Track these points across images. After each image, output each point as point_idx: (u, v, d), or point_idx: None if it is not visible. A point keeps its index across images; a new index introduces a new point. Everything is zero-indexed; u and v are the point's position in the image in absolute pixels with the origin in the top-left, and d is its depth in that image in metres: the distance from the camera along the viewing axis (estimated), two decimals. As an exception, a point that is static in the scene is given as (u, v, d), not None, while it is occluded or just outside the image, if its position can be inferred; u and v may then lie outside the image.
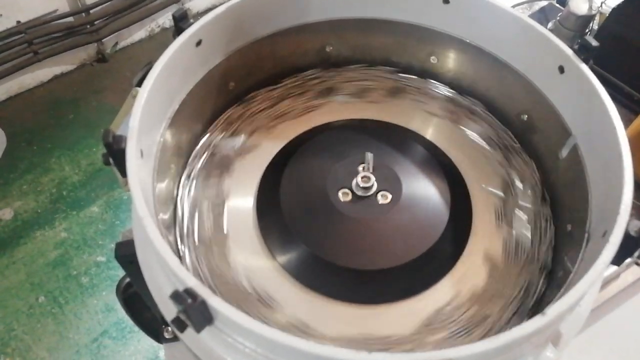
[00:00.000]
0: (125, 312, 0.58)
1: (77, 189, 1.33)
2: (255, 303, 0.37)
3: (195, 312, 0.28)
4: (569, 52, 0.40)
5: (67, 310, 1.13)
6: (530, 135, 0.45)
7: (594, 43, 0.39)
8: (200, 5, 1.81)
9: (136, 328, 0.58)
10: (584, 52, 0.39)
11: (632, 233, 0.30)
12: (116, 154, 0.34)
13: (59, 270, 1.19)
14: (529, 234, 0.40)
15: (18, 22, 1.44)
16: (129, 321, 0.59)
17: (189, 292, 0.28)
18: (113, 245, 1.18)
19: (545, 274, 0.38)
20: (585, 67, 0.39)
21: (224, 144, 0.45)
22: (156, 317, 0.47)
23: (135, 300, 0.54)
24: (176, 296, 0.27)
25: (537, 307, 0.37)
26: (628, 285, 0.38)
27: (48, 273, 1.18)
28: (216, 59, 0.44)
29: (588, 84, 0.38)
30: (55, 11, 1.49)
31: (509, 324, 0.36)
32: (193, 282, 0.28)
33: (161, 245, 0.30)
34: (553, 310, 0.28)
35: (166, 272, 0.32)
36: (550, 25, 0.77)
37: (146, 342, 1.07)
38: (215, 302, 0.28)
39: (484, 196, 0.42)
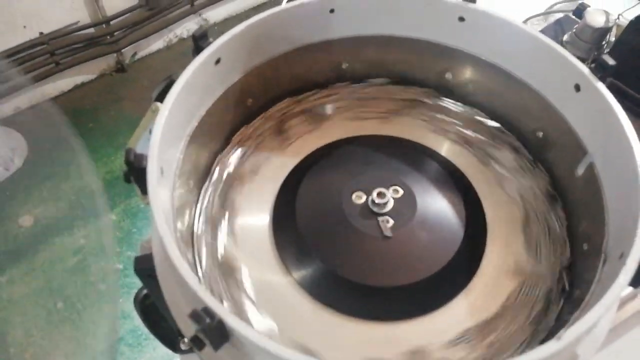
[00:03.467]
0: (142, 321, 0.58)
1: (95, 196, 1.35)
2: (269, 319, 0.37)
3: (213, 332, 0.28)
4: (585, 70, 0.40)
5: (85, 317, 1.14)
6: (546, 153, 0.45)
7: (611, 62, 0.38)
8: (218, 16, 1.83)
9: (152, 336, 0.58)
10: (600, 70, 0.39)
11: (649, 256, 0.30)
12: (137, 172, 0.35)
13: (78, 276, 1.21)
14: (545, 252, 0.40)
15: (41, 33, 1.48)
16: (144, 329, 0.60)
17: (207, 312, 0.29)
18: (130, 253, 1.20)
19: (562, 293, 0.38)
20: (601, 86, 0.39)
21: (240, 160, 0.46)
22: (172, 328, 0.47)
23: (153, 311, 0.55)
24: (195, 315, 0.28)
25: (554, 326, 0.37)
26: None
27: (66, 279, 1.21)
28: (235, 77, 0.45)
29: (604, 103, 0.38)
30: (76, 22, 1.53)
31: (525, 344, 0.36)
32: (211, 301, 0.29)
33: (181, 264, 0.30)
34: (569, 334, 0.28)
35: (184, 290, 0.32)
36: (566, 37, 0.76)
37: (162, 349, 1.08)
38: (232, 322, 0.28)
39: (499, 213, 0.42)
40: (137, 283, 0.45)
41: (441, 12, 0.45)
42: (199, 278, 0.38)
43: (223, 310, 0.28)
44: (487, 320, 0.37)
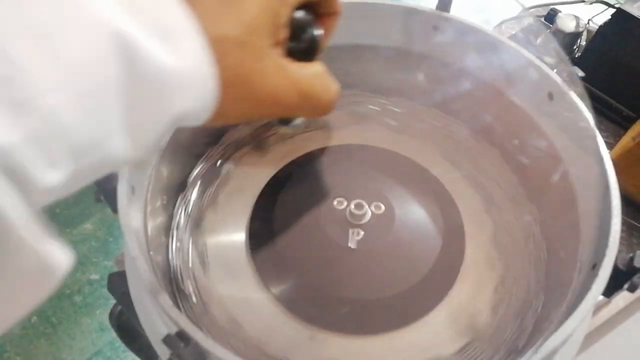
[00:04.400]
0: (119, 338, 0.57)
1: (70, 206, 1.32)
2: (248, 338, 0.37)
3: (188, 356, 0.28)
4: (558, 79, 0.40)
5: (61, 331, 1.12)
6: (521, 160, 0.45)
7: (580, 73, 0.39)
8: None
9: (130, 348, 0.57)
10: (570, 82, 0.40)
11: (621, 267, 0.30)
12: (107, 192, 0.34)
13: (52, 289, 1.18)
14: (522, 259, 0.40)
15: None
16: (122, 340, 0.58)
17: (181, 335, 0.28)
18: (107, 263, 1.18)
19: (540, 300, 0.38)
20: (573, 95, 0.39)
21: (215, 174, 0.45)
22: (150, 345, 0.46)
23: (129, 327, 0.54)
24: (168, 340, 0.27)
25: (534, 332, 0.37)
26: (620, 310, 0.38)
27: (41, 292, 1.17)
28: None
29: (577, 111, 0.39)
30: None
31: (503, 354, 0.36)
32: (186, 325, 0.28)
33: (154, 287, 0.30)
34: (545, 347, 0.28)
35: (159, 313, 0.31)
36: (538, 41, 0.78)
37: (141, 361, 1.07)
38: (208, 345, 0.28)
39: (476, 220, 0.43)
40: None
41: (417, 21, 0.45)
42: (175, 298, 0.38)
43: (199, 335, 0.28)
44: (463, 333, 0.37)
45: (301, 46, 0.23)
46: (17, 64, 0.14)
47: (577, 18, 0.72)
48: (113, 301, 0.50)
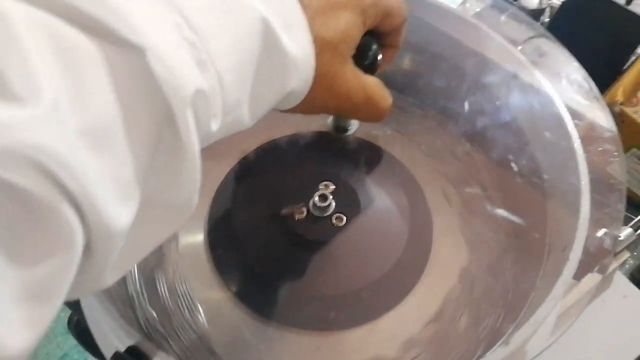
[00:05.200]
0: (80, 345, 0.55)
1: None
2: (211, 342, 0.35)
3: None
4: (522, 57, 0.39)
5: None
6: (488, 141, 0.44)
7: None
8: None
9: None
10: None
11: (592, 249, 0.30)
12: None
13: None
14: (490, 246, 0.39)
15: None
16: (91, 343, 0.56)
17: (132, 352, 0.26)
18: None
19: (511, 286, 0.38)
20: (537, 73, 0.39)
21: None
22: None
23: (89, 335, 0.52)
24: (117, 358, 0.25)
25: (505, 319, 0.36)
26: (588, 290, 0.38)
27: None
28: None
29: (541, 90, 0.38)
30: None
31: (475, 340, 0.35)
32: (137, 340, 0.26)
33: (101, 297, 0.27)
34: (516, 338, 0.27)
35: (109, 324, 0.29)
36: (503, 18, 0.77)
37: (112, 360, 1.04)
38: None
39: (444, 207, 0.42)
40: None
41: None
42: (131, 307, 0.35)
43: (152, 348, 0.26)
44: (434, 320, 0.36)
45: (363, 62, 0.28)
46: (199, 32, 0.18)
47: (539, -6, 0.71)
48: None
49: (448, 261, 0.38)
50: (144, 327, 0.34)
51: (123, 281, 0.37)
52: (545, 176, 0.37)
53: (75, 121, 0.15)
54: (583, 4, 0.65)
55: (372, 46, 0.28)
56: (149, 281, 0.37)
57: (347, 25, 0.25)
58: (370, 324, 0.36)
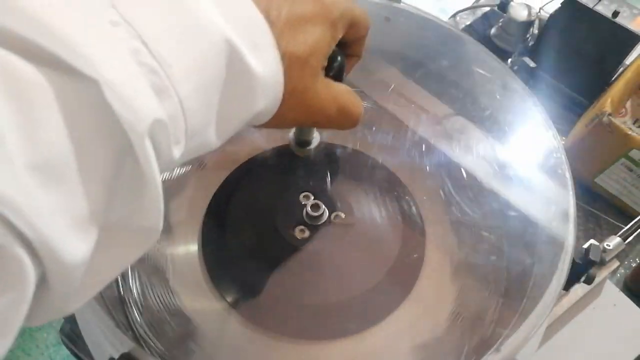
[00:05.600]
0: (73, 356, 0.54)
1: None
2: (204, 349, 0.35)
3: (135, 380, 0.26)
4: (508, 71, 0.40)
5: (15, 346, 1.06)
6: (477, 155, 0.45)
7: (532, 64, 0.39)
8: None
9: None
10: (522, 72, 0.40)
11: (578, 260, 0.30)
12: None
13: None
14: (480, 257, 0.39)
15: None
16: (82, 353, 0.55)
17: (127, 358, 0.26)
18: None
19: (501, 295, 0.38)
20: (523, 86, 0.39)
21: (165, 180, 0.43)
22: None
23: (81, 344, 0.51)
24: (112, 367, 0.25)
25: (496, 329, 0.37)
26: (578, 299, 0.38)
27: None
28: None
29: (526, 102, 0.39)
30: None
31: (465, 350, 0.35)
32: (130, 348, 0.26)
33: (96, 307, 0.27)
34: (508, 345, 0.27)
35: (103, 333, 0.29)
36: (493, 31, 0.78)
37: (104, 371, 1.03)
38: (156, 367, 0.26)
39: (436, 217, 0.42)
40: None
41: (369, 13, 0.44)
42: (125, 315, 0.35)
43: (144, 355, 0.26)
44: (424, 332, 0.36)
45: (329, 73, 0.28)
46: (159, 58, 0.18)
47: (528, 7, 0.72)
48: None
49: (439, 271, 0.39)
50: (137, 335, 0.34)
51: (117, 290, 0.37)
52: (533, 183, 0.38)
53: (24, 158, 0.15)
54: (571, 16, 0.66)
55: (337, 57, 0.28)
56: (144, 290, 0.37)
57: (316, 39, 0.24)
58: (358, 335, 0.36)
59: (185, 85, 0.18)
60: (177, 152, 0.19)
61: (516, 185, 0.40)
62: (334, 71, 0.28)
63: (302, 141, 0.37)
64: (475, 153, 0.44)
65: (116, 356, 0.27)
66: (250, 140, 0.45)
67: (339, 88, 0.28)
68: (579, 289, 0.39)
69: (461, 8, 0.79)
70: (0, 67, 0.15)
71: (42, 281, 0.16)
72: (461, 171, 0.43)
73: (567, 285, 0.30)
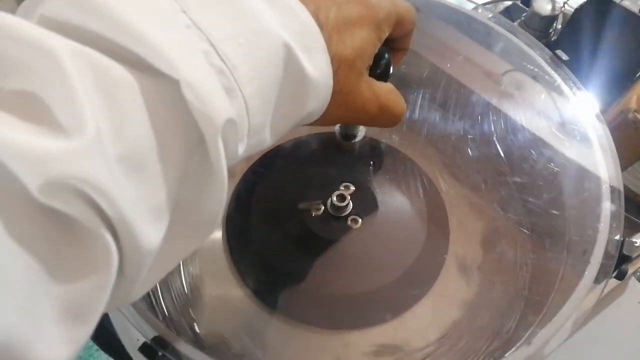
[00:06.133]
0: (92, 341, 0.55)
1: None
2: (230, 339, 0.35)
3: (167, 363, 0.26)
4: (542, 62, 0.40)
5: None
6: (505, 148, 0.44)
7: (564, 57, 0.39)
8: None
9: (104, 347, 0.55)
10: (555, 64, 0.39)
11: (612, 252, 0.30)
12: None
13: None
14: (506, 249, 0.39)
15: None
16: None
17: (158, 341, 0.26)
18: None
19: (524, 291, 0.38)
20: (557, 77, 0.39)
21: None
22: (125, 348, 0.44)
23: (103, 330, 0.52)
24: (145, 348, 0.26)
25: (521, 322, 0.36)
26: (607, 293, 0.38)
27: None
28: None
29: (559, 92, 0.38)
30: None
31: (491, 343, 0.35)
32: (164, 331, 0.26)
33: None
34: (539, 338, 0.27)
35: (134, 318, 0.29)
36: (515, 25, 0.77)
37: None
38: (186, 350, 0.26)
39: (461, 210, 0.42)
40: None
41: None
42: (150, 302, 0.35)
43: (178, 342, 0.26)
44: (449, 323, 0.36)
45: (376, 71, 0.28)
46: (227, 60, 0.19)
47: (553, 1, 0.71)
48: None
49: (464, 264, 0.39)
50: (166, 319, 0.34)
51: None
52: (564, 178, 0.37)
53: (113, 149, 0.16)
54: (597, 11, 0.65)
55: (384, 55, 0.29)
56: (168, 275, 0.37)
57: (363, 41, 0.25)
58: (383, 325, 0.36)
59: (249, 86, 0.19)
60: (241, 149, 0.20)
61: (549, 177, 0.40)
62: (381, 69, 0.28)
63: (348, 134, 0.37)
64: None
65: (145, 340, 0.27)
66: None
67: (382, 88, 0.29)
68: (608, 285, 0.38)
69: (483, 1, 0.78)
70: (94, 67, 0.16)
71: (118, 268, 0.17)
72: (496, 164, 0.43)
73: (598, 280, 0.30)
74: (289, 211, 0.39)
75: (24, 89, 0.15)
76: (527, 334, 0.28)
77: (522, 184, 0.42)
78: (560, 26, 0.73)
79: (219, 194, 0.19)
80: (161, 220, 0.18)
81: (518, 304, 0.36)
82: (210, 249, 0.39)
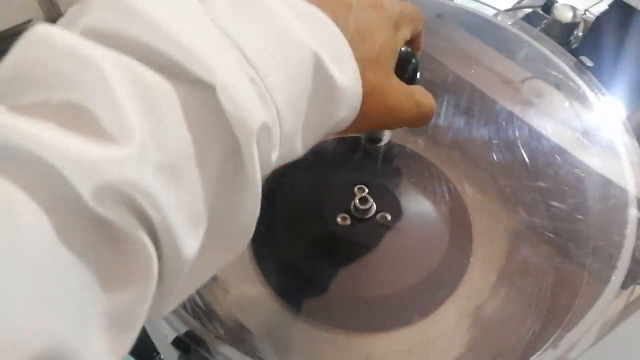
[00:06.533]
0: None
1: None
2: (253, 340, 0.35)
3: (197, 357, 0.27)
4: (566, 68, 0.40)
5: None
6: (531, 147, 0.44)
7: (589, 63, 0.39)
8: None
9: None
10: (579, 70, 0.39)
11: (638, 259, 0.30)
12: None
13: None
14: (534, 252, 0.39)
15: (-10, 32, 1.40)
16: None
17: (191, 336, 0.27)
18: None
19: (547, 295, 0.38)
20: (581, 83, 0.39)
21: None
22: (147, 345, 0.45)
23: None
24: (178, 342, 0.26)
25: (546, 325, 0.36)
26: (634, 299, 0.38)
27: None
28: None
29: (583, 100, 0.38)
30: (29, 21, 1.45)
31: (518, 346, 0.35)
32: (193, 325, 0.27)
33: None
34: (565, 342, 0.27)
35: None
36: (534, 34, 0.77)
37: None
38: (217, 345, 0.27)
39: (484, 215, 0.42)
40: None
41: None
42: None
43: (209, 337, 0.26)
44: (473, 326, 0.36)
45: (404, 76, 0.29)
46: (258, 69, 0.19)
47: (573, 8, 0.71)
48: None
49: (489, 267, 0.39)
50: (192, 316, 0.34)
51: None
52: (588, 181, 0.37)
53: (156, 157, 0.16)
54: (619, 19, 0.64)
55: (411, 59, 0.29)
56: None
57: (384, 41, 0.25)
58: (407, 328, 0.36)
59: (280, 94, 0.20)
60: (274, 156, 0.20)
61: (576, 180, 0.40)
62: (409, 73, 0.29)
63: (373, 138, 0.38)
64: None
65: (174, 336, 0.28)
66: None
67: (414, 87, 0.29)
68: (634, 290, 0.38)
69: (504, 8, 0.78)
70: (134, 77, 0.17)
71: (158, 278, 0.17)
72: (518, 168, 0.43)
73: (625, 285, 0.30)
74: (313, 213, 0.40)
75: (71, 100, 0.16)
76: (553, 337, 0.28)
77: (547, 189, 0.42)
78: (581, 34, 0.73)
79: (253, 203, 0.19)
80: (199, 229, 0.18)
81: (543, 308, 0.36)
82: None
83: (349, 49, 0.23)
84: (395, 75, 0.28)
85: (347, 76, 0.23)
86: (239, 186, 0.19)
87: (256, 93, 0.19)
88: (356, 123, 0.26)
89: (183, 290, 0.20)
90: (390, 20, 0.26)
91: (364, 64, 0.24)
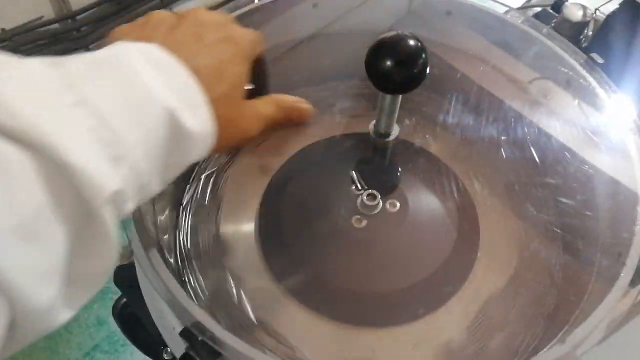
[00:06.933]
0: (122, 332, 0.56)
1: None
2: (260, 333, 0.36)
3: (204, 348, 0.27)
4: (577, 65, 0.40)
5: (58, 325, 1.10)
6: (540, 144, 0.44)
7: (599, 60, 0.39)
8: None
9: (128, 342, 0.56)
10: (589, 67, 0.39)
11: (648, 256, 0.30)
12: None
13: (49, 283, 1.16)
14: (542, 248, 0.39)
15: (3, 29, 1.41)
16: (121, 334, 0.57)
17: (198, 328, 0.27)
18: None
19: (555, 293, 0.37)
20: (592, 80, 0.39)
21: (220, 167, 0.44)
22: (155, 338, 0.46)
23: (133, 320, 0.53)
24: (186, 333, 0.26)
25: (553, 322, 0.36)
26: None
27: (37, 286, 1.15)
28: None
29: (593, 97, 0.38)
30: (40, 18, 1.46)
31: (524, 343, 0.35)
32: (203, 318, 0.27)
33: (169, 280, 0.29)
34: (573, 337, 0.27)
35: (173, 307, 0.30)
36: (545, 31, 0.77)
37: (138, 355, 1.05)
38: (224, 337, 0.27)
39: (491, 210, 0.42)
40: (112, 288, 0.42)
41: (429, 6, 0.44)
42: (188, 291, 0.36)
43: (217, 328, 0.27)
44: (483, 320, 0.36)
45: (257, 92, 0.33)
46: (116, 131, 0.21)
47: (584, 7, 0.71)
48: (111, 294, 0.48)
49: (497, 263, 0.39)
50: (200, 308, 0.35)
51: (177, 269, 0.38)
52: (597, 179, 0.37)
53: (7, 221, 0.17)
54: (630, 18, 0.64)
55: (258, 74, 0.32)
56: (202, 268, 0.38)
57: (237, 76, 0.29)
58: (414, 323, 0.36)
59: (137, 150, 0.22)
60: (130, 206, 0.22)
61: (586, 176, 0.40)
62: (257, 86, 0.33)
63: (383, 133, 0.38)
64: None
65: (182, 327, 0.28)
66: (328, 123, 0.46)
67: (259, 103, 0.33)
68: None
69: (515, 7, 0.78)
70: None
71: (12, 324, 0.19)
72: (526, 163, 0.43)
73: (634, 283, 0.30)
74: (321, 208, 0.40)
75: None
76: (561, 333, 0.28)
77: (555, 185, 0.41)
78: (591, 33, 0.72)
79: (109, 252, 0.21)
80: (53, 282, 0.20)
81: (550, 304, 0.36)
82: (243, 242, 0.40)
83: (201, 96, 0.25)
84: (244, 99, 0.30)
85: (200, 120, 0.25)
86: (96, 240, 0.21)
87: (111, 158, 0.20)
88: (213, 149, 0.28)
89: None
90: (243, 53, 0.29)
91: (218, 103, 0.26)
